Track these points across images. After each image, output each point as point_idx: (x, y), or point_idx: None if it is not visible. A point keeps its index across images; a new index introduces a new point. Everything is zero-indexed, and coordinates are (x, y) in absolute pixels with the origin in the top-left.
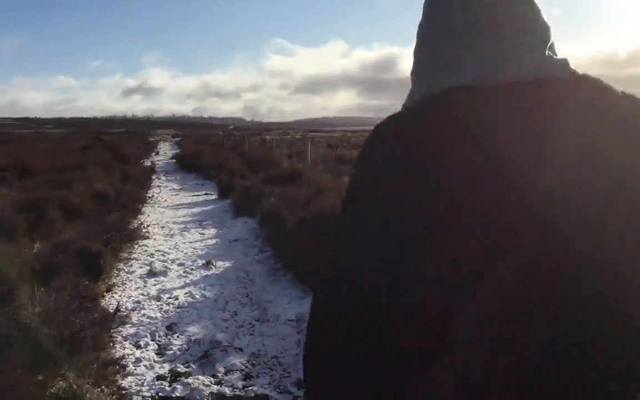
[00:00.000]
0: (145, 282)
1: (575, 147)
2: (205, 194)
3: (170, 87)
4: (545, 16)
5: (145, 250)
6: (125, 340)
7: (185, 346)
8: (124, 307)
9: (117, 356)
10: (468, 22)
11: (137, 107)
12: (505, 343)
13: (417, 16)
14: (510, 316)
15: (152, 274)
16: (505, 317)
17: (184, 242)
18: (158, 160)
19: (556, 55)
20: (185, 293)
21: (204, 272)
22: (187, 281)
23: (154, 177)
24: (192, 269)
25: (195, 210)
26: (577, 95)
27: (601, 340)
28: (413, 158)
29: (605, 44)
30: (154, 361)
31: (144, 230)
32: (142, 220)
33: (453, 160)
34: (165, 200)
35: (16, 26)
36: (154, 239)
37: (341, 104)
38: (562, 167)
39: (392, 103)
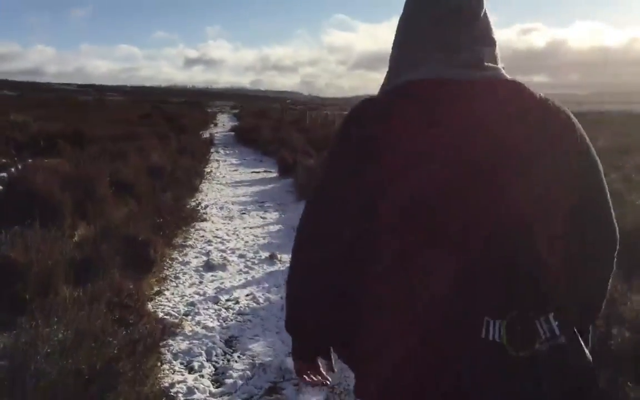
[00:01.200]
0: (201, 276)
1: (489, 131)
2: (265, 171)
3: (229, 59)
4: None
5: (202, 236)
6: (175, 359)
7: (248, 372)
8: (175, 310)
9: (165, 385)
10: (427, 40)
11: (197, 77)
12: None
13: None
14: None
15: (209, 266)
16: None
17: (244, 228)
18: (216, 132)
19: (498, 64)
20: (247, 295)
21: (267, 268)
22: (249, 278)
23: (212, 150)
24: (254, 263)
25: (254, 188)
26: (501, 93)
27: (513, 265)
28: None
29: None
30: (210, 395)
31: (201, 211)
32: (199, 199)
33: (403, 132)
34: (224, 177)
35: None
36: (212, 222)
37: None
38: (494, 130)
39: None
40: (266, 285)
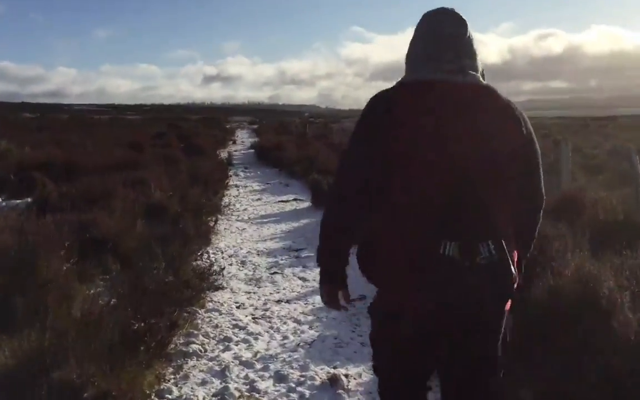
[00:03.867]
0: None
1: (464, 118)
2: (295, 199)
3: (247, 75)
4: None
5: (216, 327)
6: None
7: None
8: None
9: None
10: (425, 54)
11: (215, 94)
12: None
13: (494, 2)
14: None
15: None
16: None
17: (279, 302)
18: (235, 150)
19: (478, 72)
20: None
21: None
22: None
23: (231, 172)
24: (303, 397)
25: (285, 226)
26: (475, 93)
27: (467, 210)
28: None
29: None
30: None
31: (215, 274)
32: (213, 249)
33: (404, 116)
34: (245, 209)
35: (109, 18)
36: (231, 290)
37: None
38: (457, 121)
39: None
40: None
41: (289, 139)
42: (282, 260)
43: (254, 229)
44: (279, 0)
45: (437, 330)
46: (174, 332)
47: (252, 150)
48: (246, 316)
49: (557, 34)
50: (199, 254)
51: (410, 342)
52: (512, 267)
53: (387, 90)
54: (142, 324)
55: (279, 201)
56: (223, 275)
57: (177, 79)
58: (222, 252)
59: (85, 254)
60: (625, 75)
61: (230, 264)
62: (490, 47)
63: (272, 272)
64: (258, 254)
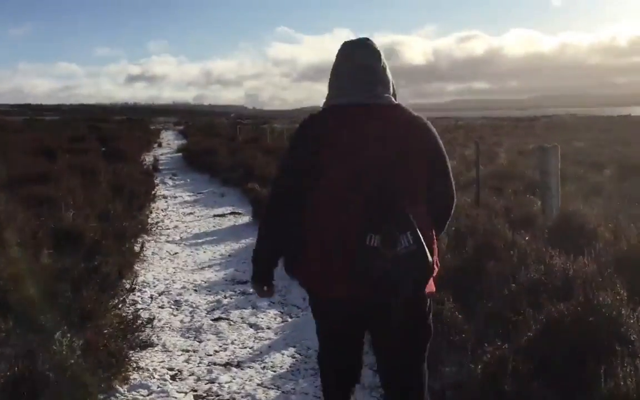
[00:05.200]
0: None
1: (379, 132)
2: (233, 212)
3: (172, 74)
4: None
5: None
6: None
7: None
8: None
9: None
10: (345, 81)
11: (139, 94)
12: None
13: (419, 2)
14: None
15: None
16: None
17: (227, 365)
18: (162, 154)
19: (390, 94)
20: None
21: None
22: None
23: (158, 179)
24: None
25: (224, 248)
26: (387, 111)
27: (389, 208)
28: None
29: (606, 33)
30: None
31: (140, 324)
32: (137, 285)
33: (331, 134)
34: (176, 227)
35: (26, 14)
36: (163, 349)
37: None
38: (376, 136)
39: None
40: None
41: (220, 142)
42: (226, 298)
43: (187, 253)
44: None
45: (366, 313)
46: None
47: (180, 154)
48: (185, 396)
49: (478, 36)
50: (121, 298)
51: (344, 324)
52: (428, 254)
53: (315, 114)
54: None
55: (215, 215)
56: (152, 327)
57: (99, 77)
58: (151, 288)
59: None
60: (542, 76)
61: (162, 306)
62: (415, 49)
63: (216, 317)
64: (195, 290)
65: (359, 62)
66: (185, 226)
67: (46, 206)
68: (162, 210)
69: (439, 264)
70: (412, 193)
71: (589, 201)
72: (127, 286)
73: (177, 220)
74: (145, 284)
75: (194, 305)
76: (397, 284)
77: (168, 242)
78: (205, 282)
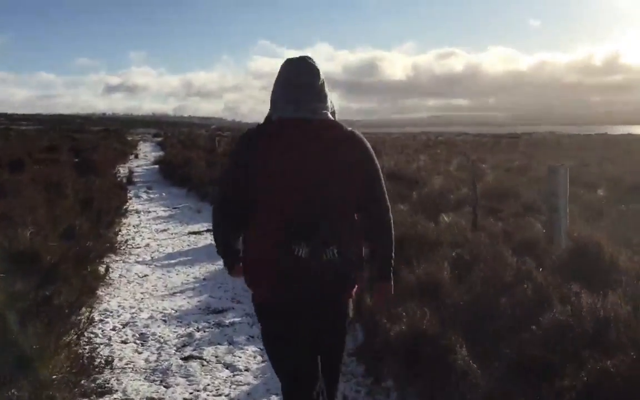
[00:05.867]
0: None
1: (314, 147)
2: (209, 230)
3: (152, 85)
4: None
5: None
6: None
7: None
8: None
9: None
10: (285, 98)
11: (118, 105)
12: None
13: (399, 19)
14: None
15: None
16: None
17: None
18: (137, 166)
19: (329, 110)
20: None
21: None
22: None
23: (131, 193)
24: None
25: (198, 270)
26: (323, 126)
27: (317, 221)
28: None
29: (582, 53)
30: None
31: (98, 369)
32: (100, 313)
33: (270, 146)
34: (148, 245)
35: (5, 24)
36: (123, 397)
37: None
38: (309, 150)
39: (374, 106)
40: None
41: (198, 155)
42: (198, 331)
43: (158, 276)
44: (188, 10)
45: (297, 313)
46: None
47: (157, 166)
48: None
49: (457, 53)
50: (75, 334)
51: (283, 324)
52: (351, 265)
53: (256, 127)
54: None
55: (190, 233)
56: (112, 368)
57: (78, 88)
58: (114, 317)
59: None
60: (521, 93)
61: (125, 341)
62: (396, 64)
63: (186, 355)
64: (165, 321)
65: (299, 80)
66: (158, 244)
67: (1, 224)
68: (133, 226)
69: (375, 271)
70: (344, 205)
71: (593, 224)
72: (86, 317)
73: (149, 238)
74: (107, 313)
75: (162, 340)
76: (320, 289)
77: (138, 262)
78: (176, 311)
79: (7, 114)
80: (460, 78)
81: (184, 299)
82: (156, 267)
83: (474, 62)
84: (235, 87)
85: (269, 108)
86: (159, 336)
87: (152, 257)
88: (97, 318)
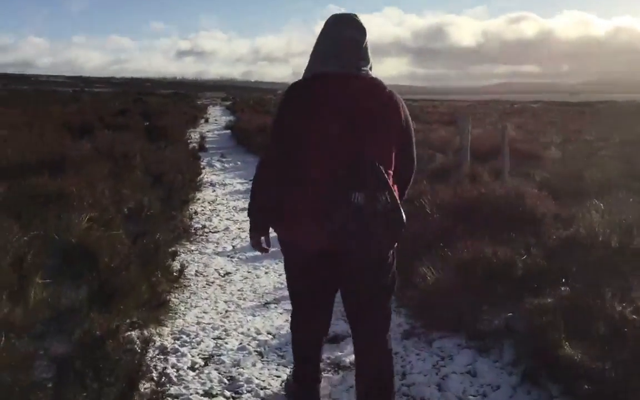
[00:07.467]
0: None
1: (359, 102)
2: None
3: (221, 50)
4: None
5: None
6: None
7: None
8: None
9: None
10: (330, 52)
11: (188, 69)
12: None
13: None
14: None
15: None
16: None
17: None
18: (208, 131)
19: (367, 69)
20: None
21: None
22: None
23: (204, 161)
24: None
25: None
26: (368, 83)
27: (368, 170)
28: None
29: None
30: None
31: None
32: (170, 340)
33: (316, 100)
34: (227, 228)
35: None
36: None
37: (391, 72)
38: (356, 106)
39: (442, 72)
40: None
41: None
42: None
43: (243, 274)
44: None
45: (343, 263)
46: None
47: (229, 132)
48: None
49: (530, 18)
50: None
51: (319, 275)
52: (403, 214)
53: (299, 82)
54: None
55: None
56: None
57: (150, 52)
58: (192, 346)
59: None
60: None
61: (210, 394)
62: (464, 30)
63: None
64: (260, 355)
65: (346, 35)
66: (238, 228)
67: (53, 206)
68: (209, 202)
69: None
70: (386, 159)
71: None
72: (154, 350)
73: (227, 219)
74: (183, 338)
75: (261, 395)
76: (373, 238)
77: (217, 253)
78: (274, 336)
79: (82, 76)
80: (531, 44)
81: (281, 313)
82: (240, 261)
83: (546, 27)
84: (303, 52)
85: (311, 61)
86: (257, 385)
87: (233, 246)
88: (169, 346)
